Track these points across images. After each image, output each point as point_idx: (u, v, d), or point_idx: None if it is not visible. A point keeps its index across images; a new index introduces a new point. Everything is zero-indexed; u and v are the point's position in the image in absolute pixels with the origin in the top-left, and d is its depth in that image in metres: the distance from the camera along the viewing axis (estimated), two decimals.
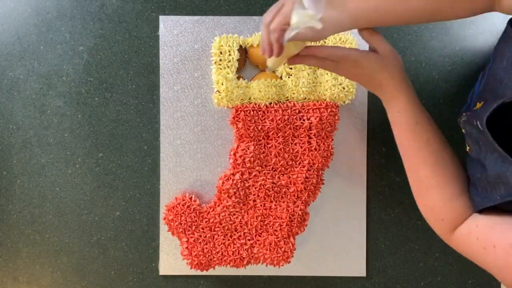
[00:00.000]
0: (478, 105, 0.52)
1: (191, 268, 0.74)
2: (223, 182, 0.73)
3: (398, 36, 0.77)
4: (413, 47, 0.77)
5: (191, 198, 0.75)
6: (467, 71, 0.77)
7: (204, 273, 0.76)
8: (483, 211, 0.52)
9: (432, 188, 0.57)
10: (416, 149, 0.57)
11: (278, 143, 0.71)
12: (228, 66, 0.70)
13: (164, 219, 0.75)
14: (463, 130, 0.54)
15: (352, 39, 0.70)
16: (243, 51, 0.73)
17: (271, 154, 0.72)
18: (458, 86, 0.77)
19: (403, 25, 0.70)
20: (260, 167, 0.72)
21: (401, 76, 0.58)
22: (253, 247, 0.74)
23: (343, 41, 0.70)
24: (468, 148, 0.54)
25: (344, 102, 0.72)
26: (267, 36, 0.54)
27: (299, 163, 0.72)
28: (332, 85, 0.70)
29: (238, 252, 0.74)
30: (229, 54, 0.70)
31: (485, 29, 0.76)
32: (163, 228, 0.77)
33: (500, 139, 0.48)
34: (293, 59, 0.57)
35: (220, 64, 0.71)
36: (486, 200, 0.51)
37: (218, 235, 0.74)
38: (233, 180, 0.72)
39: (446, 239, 0.58)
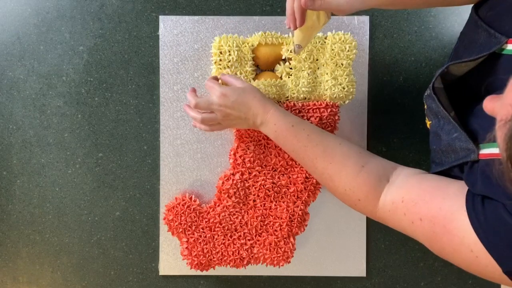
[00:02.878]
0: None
1: (191, 268, 0.74)
2: (223, 182, 0.73)
3: (398, 36, 0.77)
4: (413, 47, 0.77)
5: (191, 198, 0.75)
6: None
7: (204, 273, 0.76)
8: (404, 186, 0.55)
9: (333, 175, 0.60)
10: (302, 148, 0.62)
11: None
12: (228, 66, 0.70)
13: (164, 219, 0.75)
14: (425, 106, 0.57)
15: (352, 40, 0.70)
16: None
17: (271, 154, 0.72)
18: None
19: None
20: (260, 167, 0.72)
21: (260, 96, 0.64)
22: (253, 247, 0.74)
23: (343, 41, 0.70)
24: (429, 123, 0.57)
25: (344, 102, 0.72)
26: (291, 4, 0.56)
27: (299, 163, 0.72)
28: (332, 85, 0.70)
29: (238, 252, 0.74)
30: (229, 54, 0.70)
31: None
32: (163, 228, 0.77)
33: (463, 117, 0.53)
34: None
35: (220, 64, 0.71)
36: (438, 166, 0.55)
37: (218, 235, 0.74)
38: (233, 180, 0.72)
39: (373, 217, 0.59)
